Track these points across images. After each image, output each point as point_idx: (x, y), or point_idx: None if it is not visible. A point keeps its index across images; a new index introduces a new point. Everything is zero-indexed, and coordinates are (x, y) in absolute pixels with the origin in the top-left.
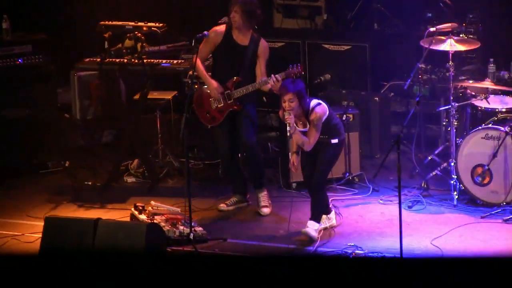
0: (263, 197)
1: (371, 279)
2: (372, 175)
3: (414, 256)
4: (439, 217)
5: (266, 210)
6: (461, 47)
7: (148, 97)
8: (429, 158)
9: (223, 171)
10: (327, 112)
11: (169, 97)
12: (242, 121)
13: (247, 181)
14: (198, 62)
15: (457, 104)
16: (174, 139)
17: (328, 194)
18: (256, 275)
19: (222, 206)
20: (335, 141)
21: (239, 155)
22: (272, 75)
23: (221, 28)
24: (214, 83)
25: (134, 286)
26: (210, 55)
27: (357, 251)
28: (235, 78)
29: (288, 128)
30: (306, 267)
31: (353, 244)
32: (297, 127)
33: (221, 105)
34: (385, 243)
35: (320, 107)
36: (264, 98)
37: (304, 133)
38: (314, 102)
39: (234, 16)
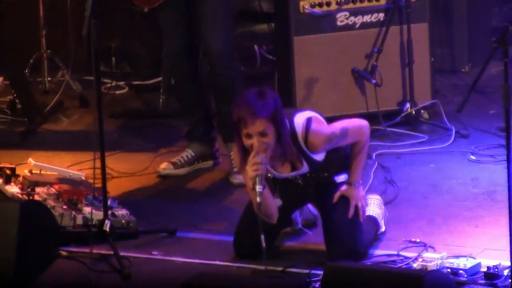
0: None
1: None
2: (456, 107)
3: None
4: None
5: (240, 179)
6: None
7: None
8: None
9: (168, 99)
10: (328, 131)
11: None
12: (205, 8)
13: (214, 119)
14: None
15: None
16: (71, 37)
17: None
18: None
19: (166, 167)
20: (340, 178)
21: (198, 66)
22: None
23: None
24: None
25: None
26: None
27: (425, 256)
28: None
29: (257, 187)
30: None
31: (418, 240)
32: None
33: None
34: (478, 244)
35: (316, 124)
36: None
37: (292, 177)
38: (299, 118)
39: None
